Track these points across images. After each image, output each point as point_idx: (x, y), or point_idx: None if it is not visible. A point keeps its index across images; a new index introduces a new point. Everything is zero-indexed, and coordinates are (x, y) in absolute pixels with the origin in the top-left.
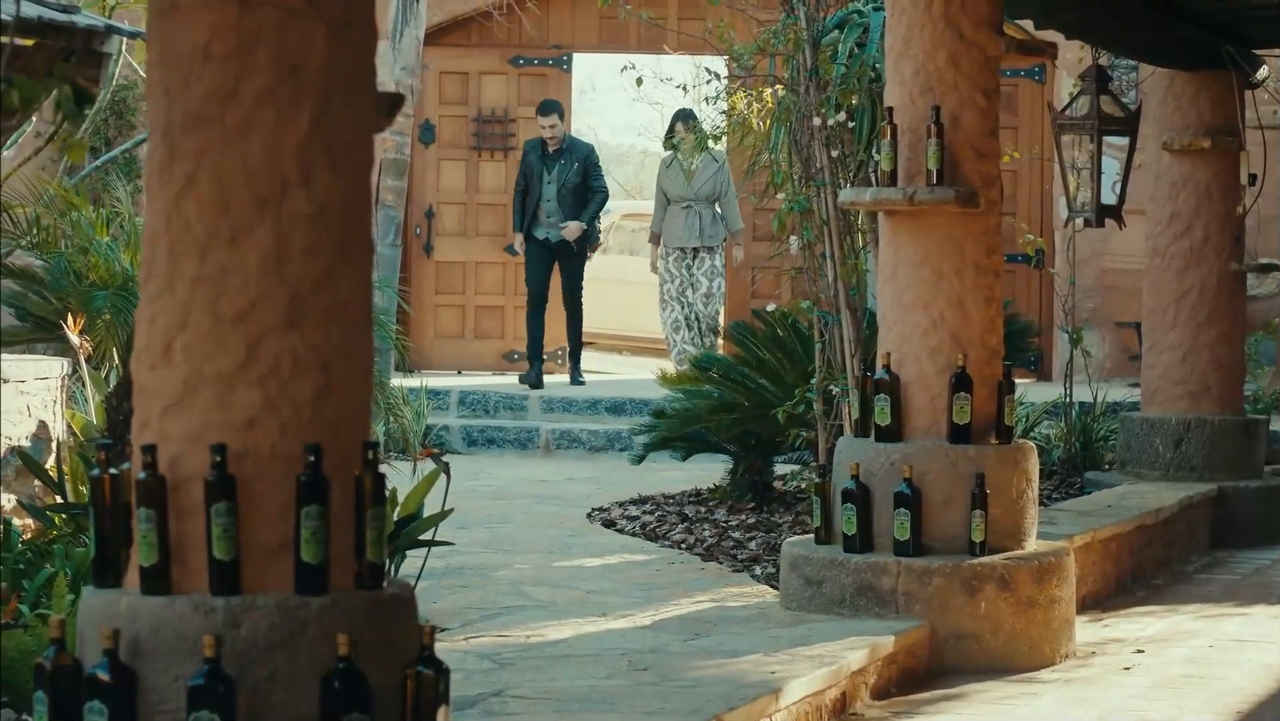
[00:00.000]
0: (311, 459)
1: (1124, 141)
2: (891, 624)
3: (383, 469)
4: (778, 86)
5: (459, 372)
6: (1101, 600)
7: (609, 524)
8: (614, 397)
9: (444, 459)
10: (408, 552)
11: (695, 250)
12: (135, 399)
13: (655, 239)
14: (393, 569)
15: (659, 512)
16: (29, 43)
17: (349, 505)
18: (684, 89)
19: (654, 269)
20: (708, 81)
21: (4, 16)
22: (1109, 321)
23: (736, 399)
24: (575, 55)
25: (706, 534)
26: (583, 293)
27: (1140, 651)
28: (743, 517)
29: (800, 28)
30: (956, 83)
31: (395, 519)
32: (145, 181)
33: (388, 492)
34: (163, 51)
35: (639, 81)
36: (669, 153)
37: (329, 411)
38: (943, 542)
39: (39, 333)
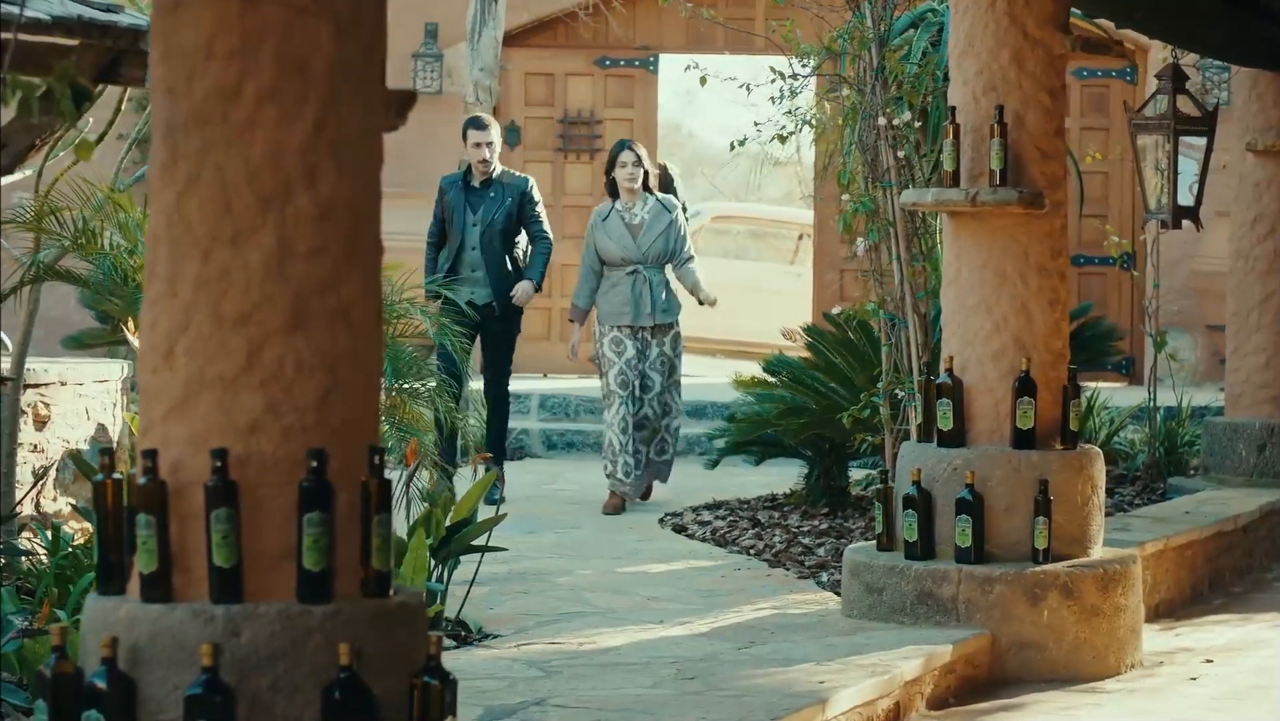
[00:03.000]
0: (314, 464)
1: (1203, 142)
2: (951, 632)
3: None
4: (844, 87)
5: (544, 376)
6: (1175, 608)
7: (680, 529)
8: (694, 401)
9: (506, 463)
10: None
11: (642, 331)
12: (139, 403)
13: (580, 316)
14: (446, 574)
15: (731, 517)
16: (74, 42)
17: (355, 511)
18: (747, 89)
19: (572, 354)
20: (772, 81)
21: (30, 14)
22: (1200, 324)
23: (806, 402)
24: (663, 56)
25: (776, 539)
26: (510, 377)
27: (1209, 661)
28: (815, 523)
29: (866, 26)
30: (1020, 82)
31: (447, 524)
32: (148, 182)
33: (442, 498)
34: (166, 49)
35: (703, 81)
36: (603, 203)
37: (334, 416)
38: (1005, 550)
39: (119, 335)
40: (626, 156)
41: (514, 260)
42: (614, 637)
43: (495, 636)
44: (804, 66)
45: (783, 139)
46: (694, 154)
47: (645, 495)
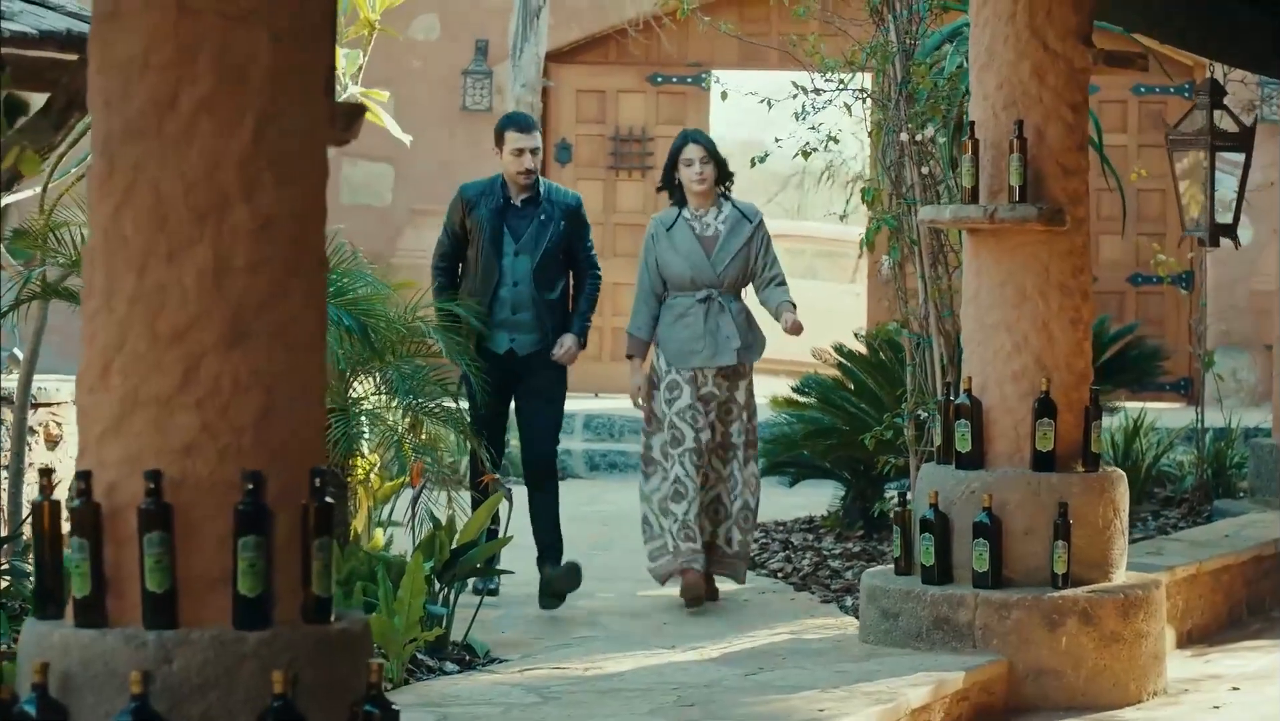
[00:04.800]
0: (250, 486)
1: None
2: (965, 659)
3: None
4: (867, 101)
5: (596, 395)
6: (1210, 634)
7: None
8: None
9: (507, 486)
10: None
11: (713, 375)
12: (78, 422)
13: (639, 350)
14: (452, 596)
15: (764, 540)
16: (73, 58)
17: (295, 535)
18: (768, 104)
19: (637, 400)
20: (793, 96)
21: (15, 28)
22: (1259, 344)
23: (835, 423)
24: (714, 73)
25: (805, 562)
26: (558, 443)
27: (1236, 689)
28: (848, 546)
29: (891, 40)
30: (1041, 96)
31: (452, 547)
32: (87, 196)
33: (444, 520)
34: (102, 60)
35: (724, 95)
36: (666, 209)
37: (273, 436)
38: (1024, 574)
39: None
40: (693, 151)
41: (566, 298)
42: (621, 662)
43: (501, 660)
44: (827, 82)
45: (806, 154)
46: (775, 174)
47: (711, 592)
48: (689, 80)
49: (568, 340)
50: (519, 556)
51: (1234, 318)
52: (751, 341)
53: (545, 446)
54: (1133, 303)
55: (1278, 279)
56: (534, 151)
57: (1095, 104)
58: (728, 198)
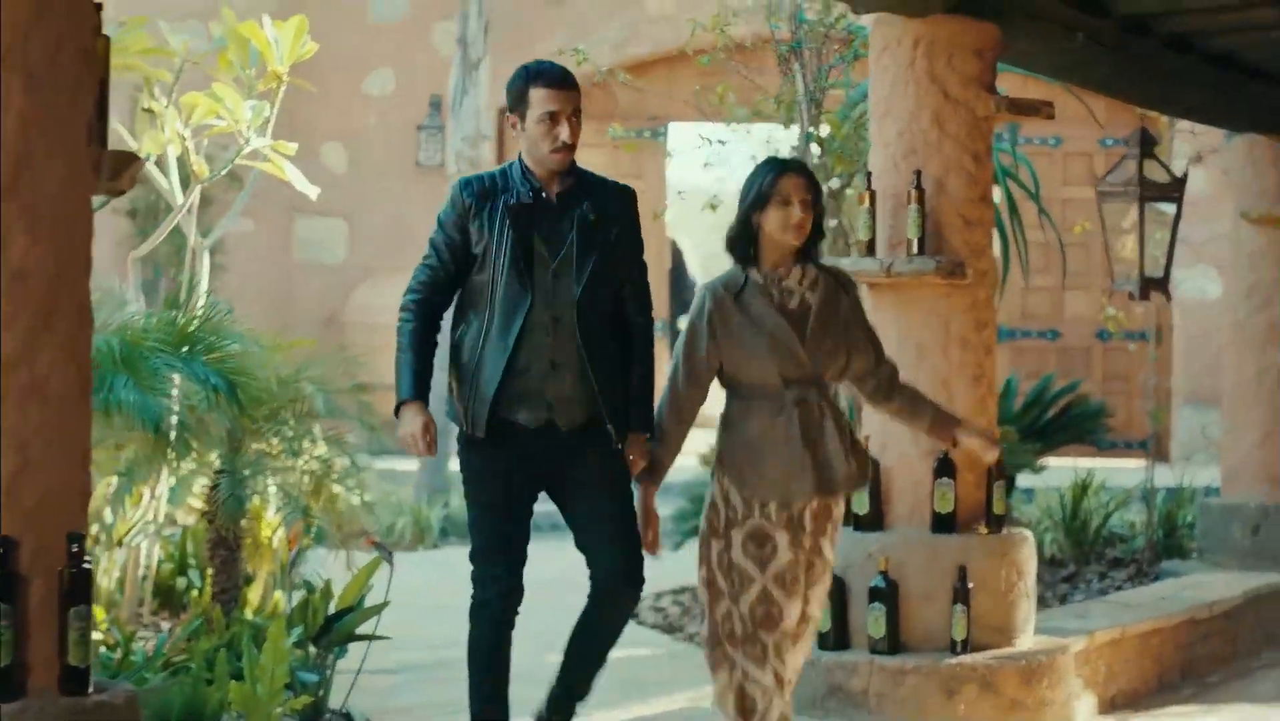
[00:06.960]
0: (0, 552)
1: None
2: None
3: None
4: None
5: None
6: (1138, 699)
7: (632, 616)
8: (686, 481)
9: (387, 549)
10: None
11: (809, 511)
12: None
13: (659, 470)
14: (332, 661)
15: (691, 604)
16: None
17: (50, 603)
18: (668, 154)
19: (649, 545)
20: (697, 148)
21: None
22: None
23: None
24: (672, 126)
25: None
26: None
27: None
28: None
29: (797, 89)
30: (941, 145)
31: (330, 612)
32: None
33: (321, 584)
34: None
35: (629, 148)
36: (726, 273)
37: (25, 499)
38: (924, 640)
39: None
40: (793, 185)
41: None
42: None
43: None
44: (733, 132)
45: (714, 207)
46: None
47: None
48: (646, 134)
49: (637, 450)
50: (399, 620)
51: (1202, 374)
52: (857, 454)
53: (634, 587)
54: (1099, 359)
55: (1227, 330)
56: (576, 115)
57: (1060, 156)
58: (812, 258)
